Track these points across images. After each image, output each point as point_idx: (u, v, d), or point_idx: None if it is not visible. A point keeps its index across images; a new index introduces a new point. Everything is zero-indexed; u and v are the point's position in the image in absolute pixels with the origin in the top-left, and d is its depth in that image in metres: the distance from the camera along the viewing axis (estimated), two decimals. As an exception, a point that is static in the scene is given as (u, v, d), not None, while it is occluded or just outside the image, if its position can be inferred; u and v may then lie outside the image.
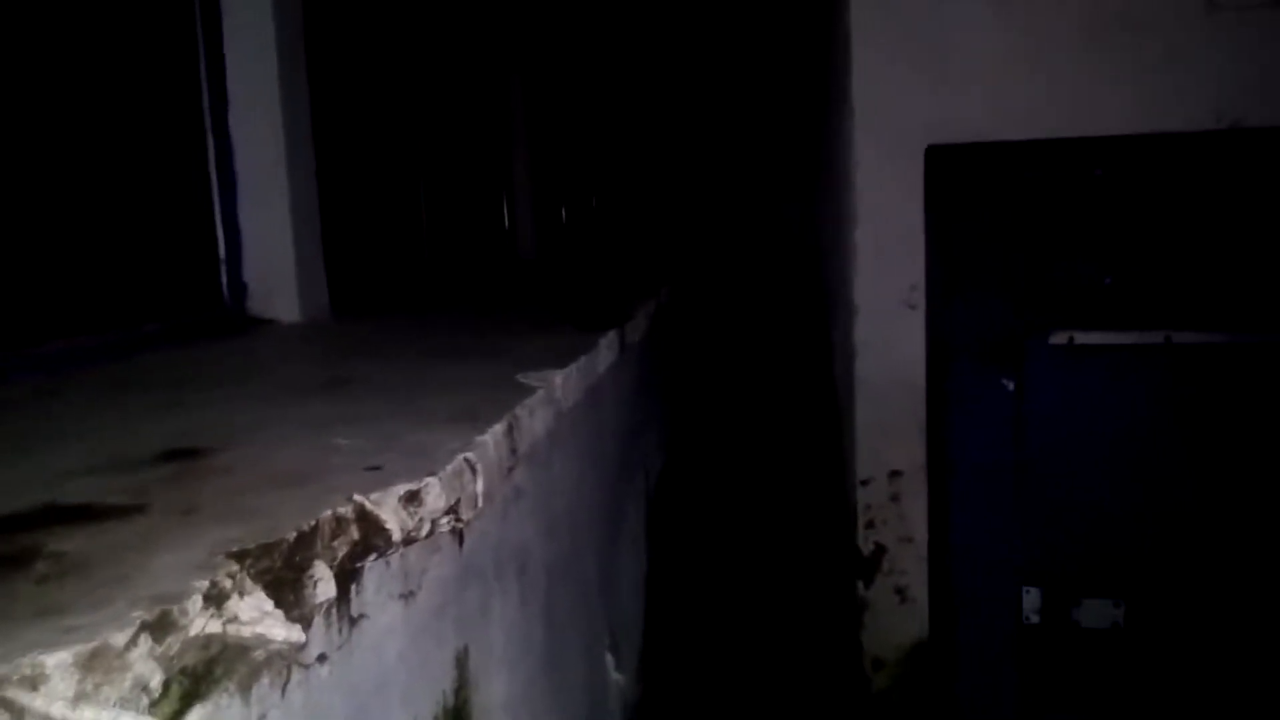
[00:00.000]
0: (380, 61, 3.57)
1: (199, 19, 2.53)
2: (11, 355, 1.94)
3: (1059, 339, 2.85)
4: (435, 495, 1.18)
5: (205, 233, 2.63)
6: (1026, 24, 3.00)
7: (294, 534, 0.97)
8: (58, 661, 0.70)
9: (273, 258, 2.68)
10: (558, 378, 1.93)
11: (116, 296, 2.29)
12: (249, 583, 0.89)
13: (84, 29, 2.21)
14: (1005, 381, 2.91)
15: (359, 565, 1.08)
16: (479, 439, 1.37)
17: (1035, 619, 2.95)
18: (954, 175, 2.95)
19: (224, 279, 2.67)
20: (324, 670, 1.01)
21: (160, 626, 0.77)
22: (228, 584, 0.86)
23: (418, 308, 3.35)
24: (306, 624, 0.94)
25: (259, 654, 0.87)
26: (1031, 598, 2.93)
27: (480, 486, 1.31)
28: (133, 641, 0.74)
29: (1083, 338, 2.85)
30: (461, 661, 1.43)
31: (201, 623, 0.82)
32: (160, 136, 2.46)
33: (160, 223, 2.46)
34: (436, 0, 4.16)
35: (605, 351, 2.48)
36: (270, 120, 2.61)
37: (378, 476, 1.17)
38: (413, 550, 1.22)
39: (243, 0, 2.58)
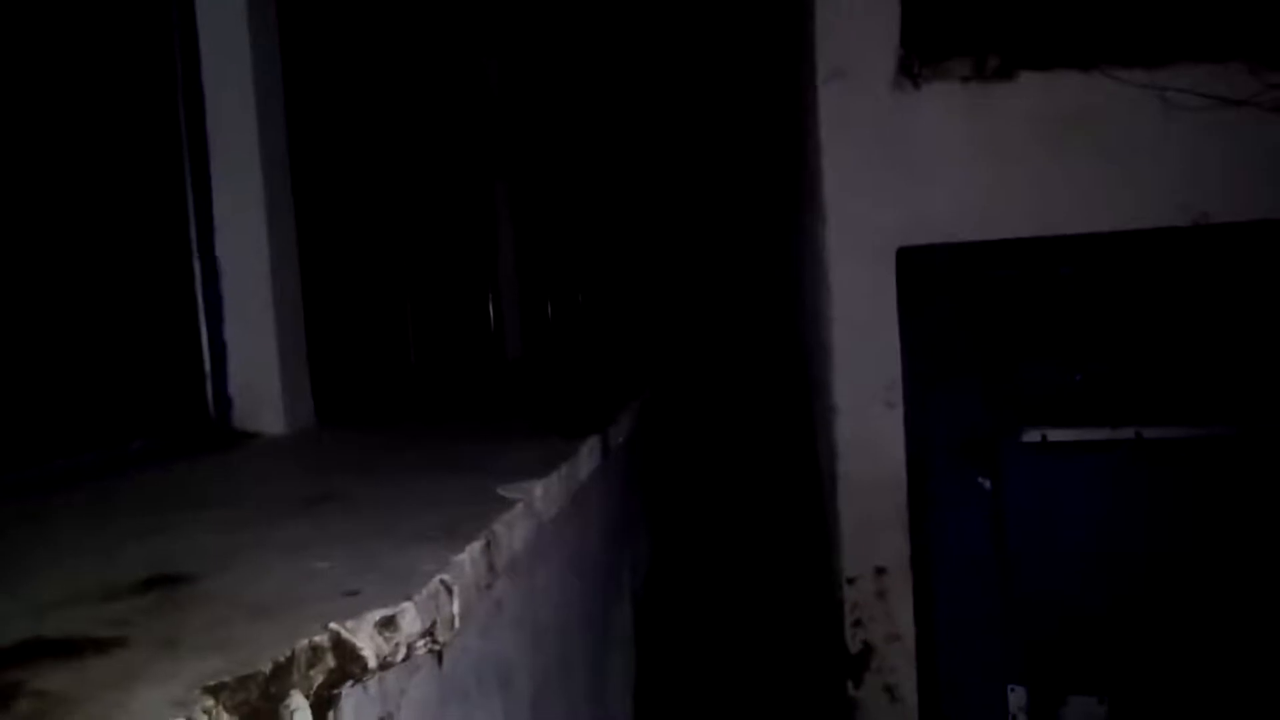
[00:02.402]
0: (365, 172, 3.64)
1: (186, 147, 2.61)
2: (-5, 478, 1.96)
3: (1032, 437, 2.90)
4: (411, 619, 1.20)
5: (190, 349, 2.66)
6: (991, 126, 3.10)
7: (270, 665, 1.00)
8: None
9: (257, 372, 2.72)
10: (538, 489, 1.95)
11: (100, 414, 2.31)
12: (225, 717, 0.91)
13: (73, 154, 2.27)
14: (982, 479, 2.95)
15: (336, 692, 1.10)
16: (456, 559, 1.39)
17: (1023, 718, 2.94)
18: (924, 276, 3.02)
19: (209, 394, 2.70)
20: (301, 801, 1.02)
21: (137, 768, 0.80)
22: (204, 720, 0.88)
23: (403, 414, 3.38)
24: (282, 756, 0.96)
25: (234, 789, 0.89)
26: (1017, 696, 2.93)
27: (457, 607, 1.33)
28: (109, 784, 0.76)
29: (1055, 435, 2.89)
30: (442, 781, 1.44)
31: (177, 762, 0.84)
32: (147, 258, 2.51)
33: (145, 341, 2.50)
34: (421, 113, 4.27)
35: (587, 458, 2.51)
36: (255, 240, 2.66)
37: (354, 602, 1.20)
38: (391, 673, 1.24)
39: (227, 127, 2.65)
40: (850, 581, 3.23)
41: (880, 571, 3.19)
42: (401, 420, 3.24)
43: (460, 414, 3.44)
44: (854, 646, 3.23)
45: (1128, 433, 2.87)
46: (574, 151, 7.52)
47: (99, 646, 1.09)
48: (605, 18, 7.05)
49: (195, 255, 2.63)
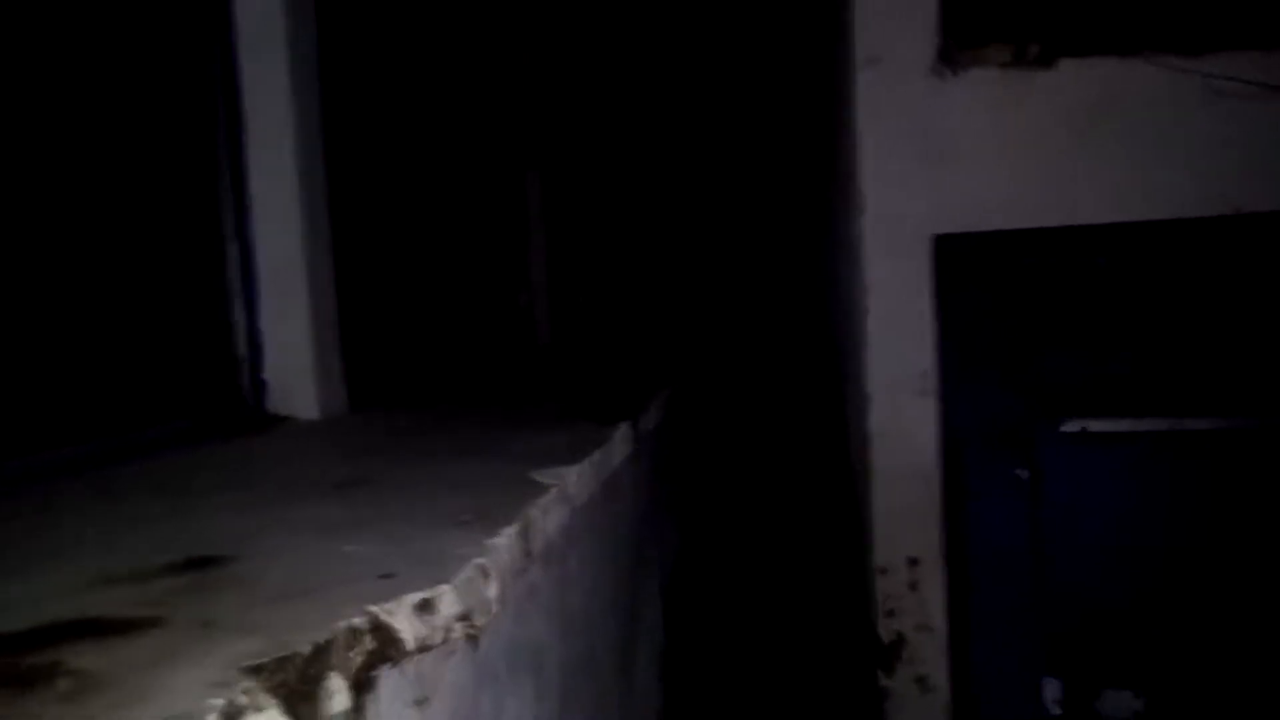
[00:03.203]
0: (399, 159, 3.64)
1: (222, 130, 2.61)
2: (27, 460, 1.97)
3: (1071, 427, 2.86)
4: (449, 602, 1.19)
5: (225, 332, 2.67)
6: (1030, 114, 3.06)
7: (309, 647, 0.99)
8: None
9: (291, 356, 2.72)
10: (571, 474, 1.94)
11: (135, 397, 2.32)
12: (264, 698, 0.91)
13: (110, 137, 2.28)
14: (1019, 470, 2.91)
15: (373, 675, 1.10)
16: (492, 542, 1.39)
17: (1057, 710, 2.91)
18: (961, 264, 2.99)
19: (243, 377, 2.71)
20: (338, 783, 1.01)
21: (177, 748, 0.79)
22: (243, 701, 0.88)
23: (435, 399, 3.38)
24: (320, 738, 0.96)
25: (273, 771, 0.89)
26: (1052, 688, 2.90)
27: (493, 591, 1.32)
28: (150, 764, 0.76)
29: (1095, 425, 2.85)
30: (476, 766, 1.43)
31: (217, 742, 0.84)
32: (182, 241, 2.52)
33: (181, 324, 2.51)
34: (456, 102, 4.26)
35: (619, 444, 2.50)
36: (289, 223, 2.66)
37: (391, 584, 1.19)
38: (427, 657, 1.23)
39: (263, 110, 2.65)
40: (882, 571, 3.20)
41: (913, 562, 3.16)
42: (434, 405, 3.24)
43: (492, 399, 3.44)
44: (886, 636, 3.20)
45: (1168, 423, 2.83)
46: (606, 141, 7.51)
47: (135, 627, 1.09)
48: (636, 8, 7.03)
49: (231, 238, 2.64)
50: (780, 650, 4.17)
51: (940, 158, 3.08)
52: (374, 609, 1.09)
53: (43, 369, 2.06)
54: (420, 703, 1.23)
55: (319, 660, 0.99)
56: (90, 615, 1.13)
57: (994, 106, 3.06)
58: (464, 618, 1.24)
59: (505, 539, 1.43)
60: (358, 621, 1.07)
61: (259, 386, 2.73)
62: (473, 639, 1.39)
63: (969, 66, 3.07)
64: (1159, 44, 2.99)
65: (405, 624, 1.12)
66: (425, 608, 1.15)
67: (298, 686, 0.96)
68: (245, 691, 0.89)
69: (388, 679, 1.13)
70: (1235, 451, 2.83)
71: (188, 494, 1.83)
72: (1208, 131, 2.95)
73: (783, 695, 3.92)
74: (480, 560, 1.31)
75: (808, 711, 3.82)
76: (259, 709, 0.89)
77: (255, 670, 0.92)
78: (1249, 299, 2.88)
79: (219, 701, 0.86)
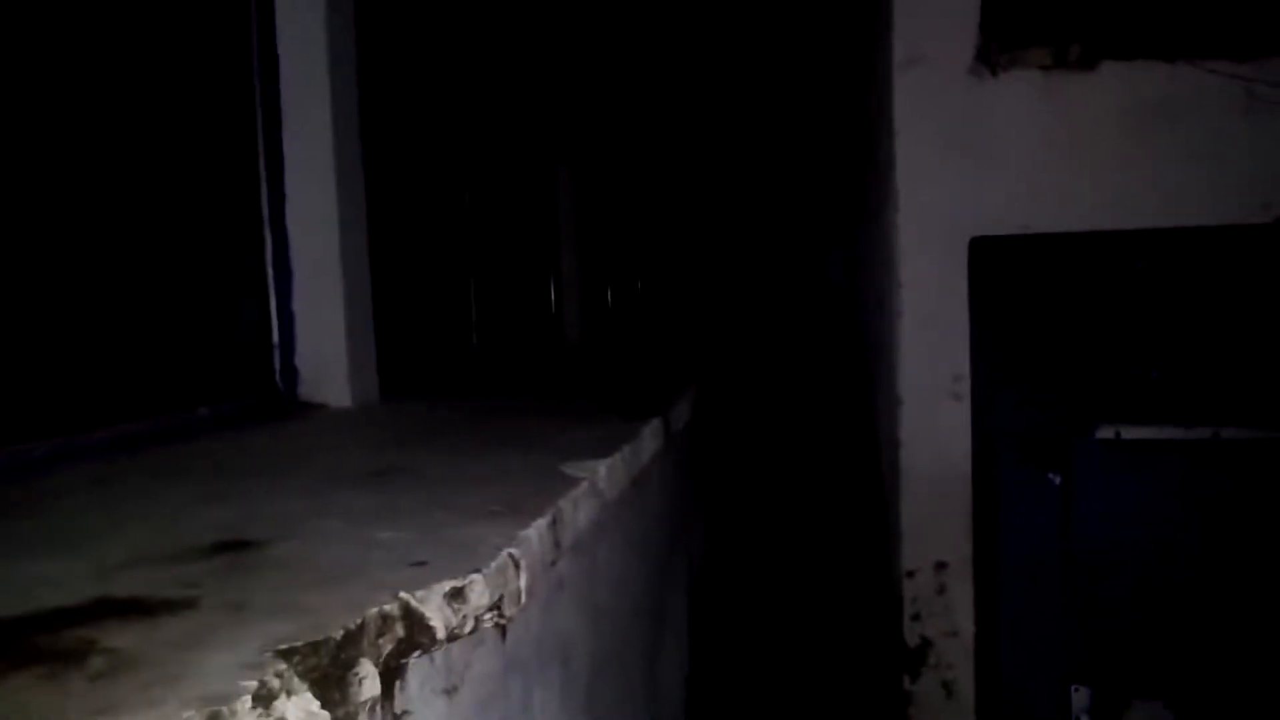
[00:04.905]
0: (434, 155, 3.65)
1: (260, 118, 2.62)
2: (62, 443, 1.98)
3: (1105, 434, 2.83)
4: (479, 592, 1.19)
5: (260, 320, 2.68)
6: (1067, 117, 3.03)
7: (341, 632, 0.99)
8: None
9: (324, 345, 2.73)
10: (602, 468, 1.93)
11: (169, 381, 2.34)
12: (296, 682, 0.91)
13: (151, 128, 2.29)
14: (1052, 476, 2.89)
15: (403, 662, 1.10)
16: (523, 533, 1.38)
17: (1085, 719, 2.89)
18: (997, 267, 2.96)
19: (277, 365, 2.72)
20: (367, 769, 1.01)
21: (210, 727, 0.79)
22: (276, 684, 0.88)
23: (465, 392, 3.38)
24: (351, 723, 0.96)
25: (304, 754, 0.89)
26: (1080, 697, 2.88)
27: (523, 582, 1.32)
28: (183, 743, 0.76)
29: (1129, 433, 2.82)
30: (502, 757, 1.43)
31: (249, 723, 0.83)
32: (218, 230, 2.53)
33: (216, 310, 2.52)
34: (489, 97, 4.27)
35: (649, 440, 2.49)
36: (325, 214, 2.67)
37: (422, 572, 1.19)
38: (456, 645, 1.23)
39: (302, 103, 2.66)
40: (910, 575, 3.18)
41: (941, 566, 3.14)
42: (465, 397, 3.24)
43: (522, 394, 3.44)
44: (912, 641, 3.19)
45: (1204, 432, 2.79)
46: (636, 138, 7.51)
47: (168, 608, 1.09)
48: (668, 5, 7.02)
49: (266, 226, 2.65)
50: (805, 652, 4.15)
51: (977, 159, 3.07)
52: (405, 595, 1.09)
53: (76, 354, 2.07)
54: (449, 691, 1.23)
55: (350, 645, 0.99)
56: (124, 595, 1.13)
57: (1034, 108, 3.04)
58: (494, 607, 1.23)
59: (536, 530, 1.43)
60: (389, 608, 1.06)
61: (291, 374, 2.74)
62: (502, 629, 1.39)
63: (1008, 68, 3.05)
64: (1203, 49, 2.96)
65: (436, 612, 1.11)
66: (456, 596, 1.15)
67: (329, 670, 0.96)
68: (277, 674, 0.89)
69: (417, 666, 1.13)
70: (1273, 461, 2.79)
71: (220, 479, 1.83)
72: (1253, 138, 2.92)
73: (807, 698, 3.90)
74: (511, 550, 1.30)
75: (832, 715, 3.80)
76: (291, 692, 0.89)
77: (288, 654, 0.92)
78: (1289, 308, 2.85)
79: (251, 684, 0.86)
